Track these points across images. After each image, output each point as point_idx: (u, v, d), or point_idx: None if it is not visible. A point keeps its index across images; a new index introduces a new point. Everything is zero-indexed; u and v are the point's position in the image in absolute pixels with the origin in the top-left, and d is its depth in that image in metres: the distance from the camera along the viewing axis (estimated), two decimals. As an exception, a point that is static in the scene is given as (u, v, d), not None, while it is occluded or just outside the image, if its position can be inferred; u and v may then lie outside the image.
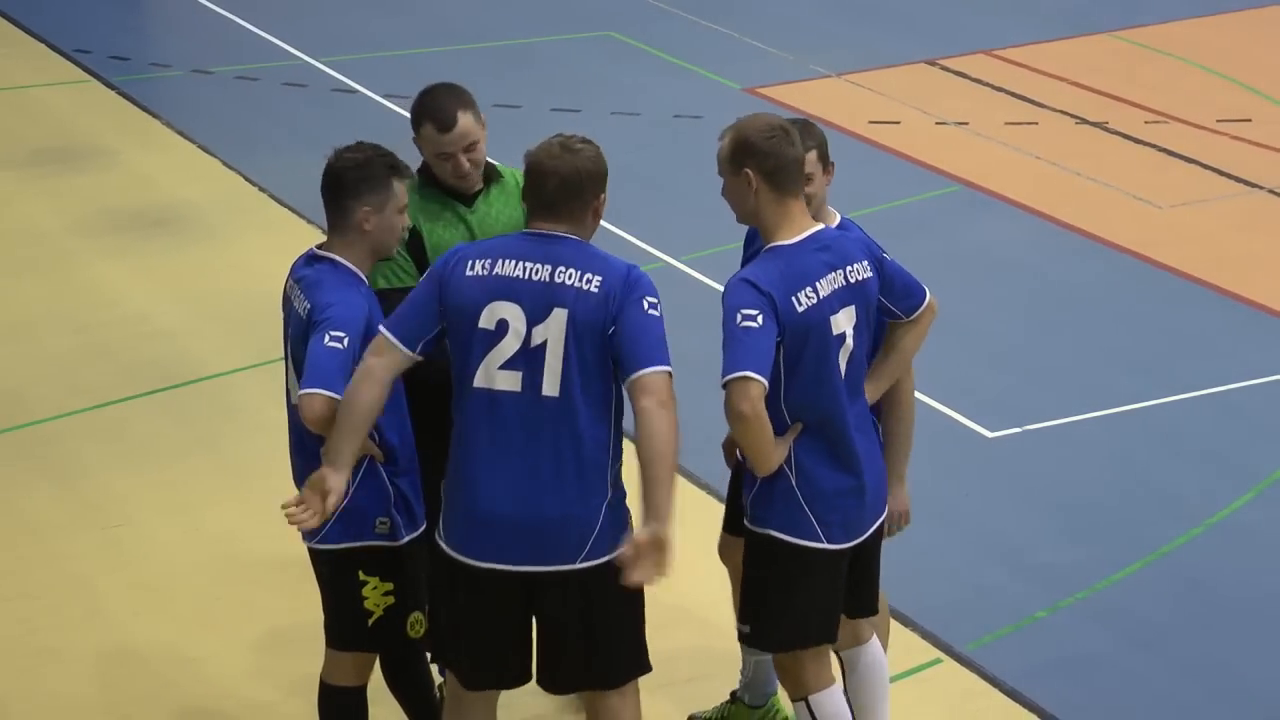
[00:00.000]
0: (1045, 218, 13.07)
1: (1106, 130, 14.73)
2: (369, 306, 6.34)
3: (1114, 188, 13.58)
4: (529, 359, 5.95)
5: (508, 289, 5.96)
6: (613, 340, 5.91)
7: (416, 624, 6.61)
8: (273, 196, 13.46)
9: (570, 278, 5.94)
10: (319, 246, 6.51)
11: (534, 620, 6.19)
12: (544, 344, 5.93)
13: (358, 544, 6.49)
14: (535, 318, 5.93)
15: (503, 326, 5.96)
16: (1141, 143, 14.44)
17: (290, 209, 13.18)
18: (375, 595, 6.53)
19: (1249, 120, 14.80)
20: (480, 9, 18.18)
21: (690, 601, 8.27)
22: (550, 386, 5.94)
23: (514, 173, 7.04)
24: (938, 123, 14.96)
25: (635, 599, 6.15)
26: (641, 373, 5.87)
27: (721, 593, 7.52)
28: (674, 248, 12.19)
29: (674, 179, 13.09)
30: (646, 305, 5.93)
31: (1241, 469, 9.70)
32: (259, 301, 11.56)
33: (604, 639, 6.15)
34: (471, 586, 6.12)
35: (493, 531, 6.02)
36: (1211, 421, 10.26)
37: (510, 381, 5.97)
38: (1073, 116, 15.02)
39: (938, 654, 8.07)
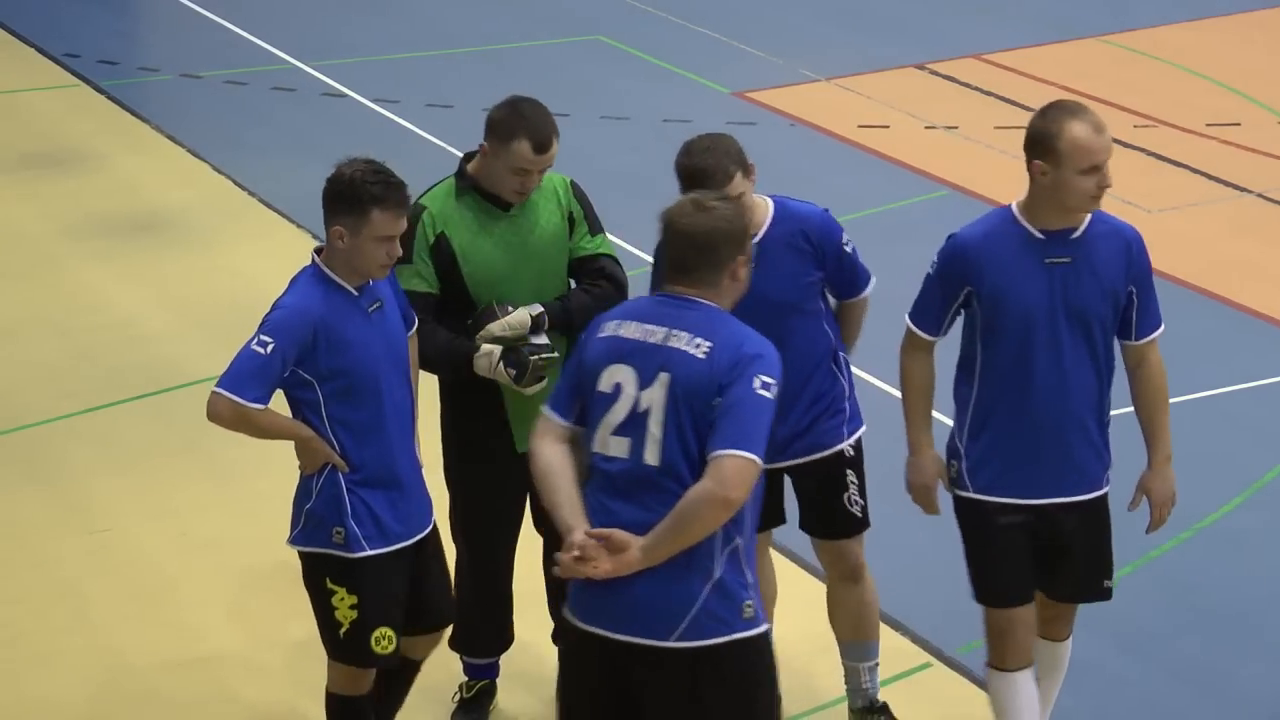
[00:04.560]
0: (1035, 222, 13.06)
1: (1096, 134, 14.73)
2: (324, 313, 6.31)
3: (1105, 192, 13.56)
4: (636, 425, 5.68)
5: (625, 352, 5.73)
6: (715, 411, 5.59)
7: (382, 639, 6.55)
8: (261, 201, 13.44)
9: (680, 341, 5.68)
10: (318, 247, 6.54)
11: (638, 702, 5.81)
12: (648, 410, 5.68)
13: (320, 550, 6.52)
14: (644, 382, 5.68)
15: (617, 390, 5.72)
16: (1130, 146, 14.43)
17: (279, 213, 13.16)
18: (343, 606, 6.53)
19: (1238, 124, 14.81)
20: (469, 13, 18.17)
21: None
22: (651, 455, 5.65)
23: (552, 177, 7.17)
24: (927, 127, 14.95)
25: (756, 687, 5.75)
26: (719, 452, 5.55)
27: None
28: (663, 252, 12.18)
29: (663, 184, 13.05)
30: (758, 384, 5.60)
31: (1232, 473, 9.69)
32: (247, 306, 11.49)
33: None
34: (574, 648, 5.86)
35: (595, 595, 5.71)
36: (1201, 426, 10.24)
37: (620, 448, 5.70)
38: (1062, 121, 15.01)
39: (927, 658, 8.06)
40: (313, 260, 6.48)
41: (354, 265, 6.39)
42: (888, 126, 14.96)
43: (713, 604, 5.63)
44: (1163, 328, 6.87)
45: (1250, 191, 13.56)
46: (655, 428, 5.64)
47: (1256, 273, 12.26)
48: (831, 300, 7.19)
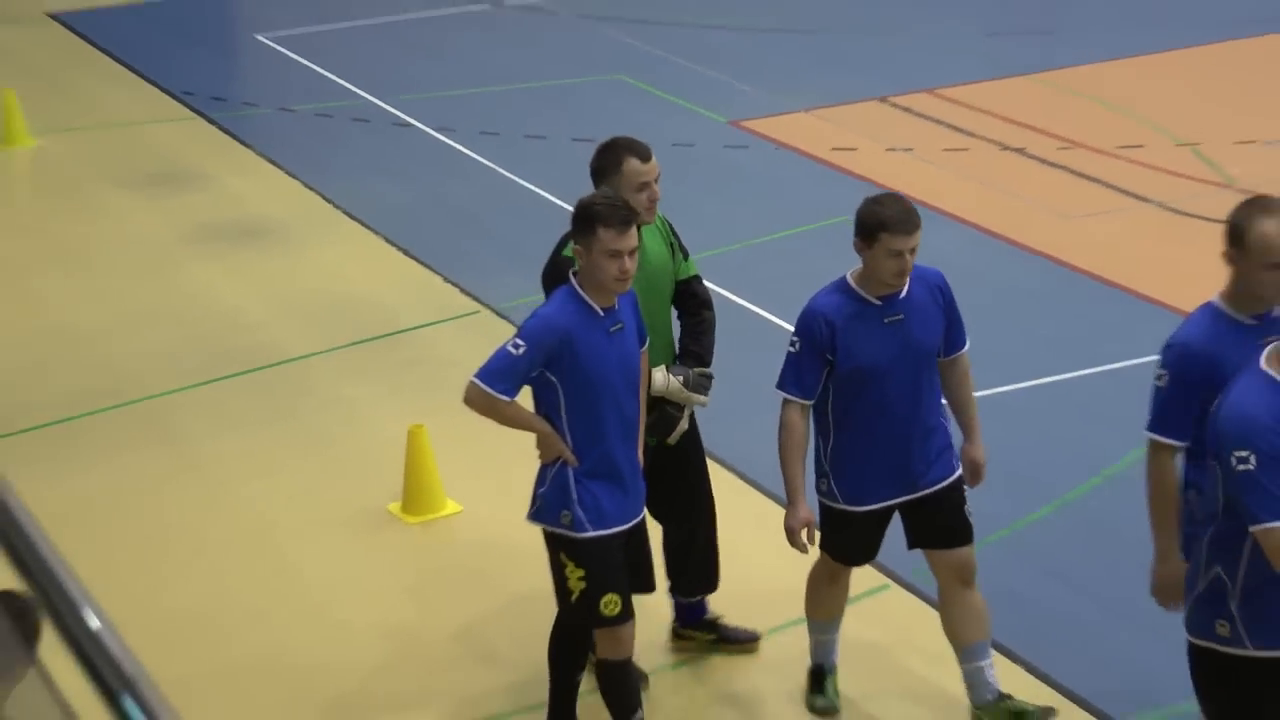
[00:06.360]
0: (978, 228, 13.08)
1: (1025, 155, 14.73)
2: (571, 326, 6.17)
3: (1033, 202, 13.59)
4: None
5: None
6: None
7: (610, 604, 6.37)
8: (344, 212, 13.48)
9: None
10: (574, 270, 6.35)
11: None
12: None
13: (553, 528, 6.38)
14: None
15: None
16: (1055, 165, 14.44)
17: (359, 221, 13.21)
18: (573, 578, 6.36)
19: (1142, 146, 14.80)
20: (513, 56, 18.18)
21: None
22: None
23: (660, 216, 7.02)
24: (888, 149, 14.96)
25: (1225, 698, 5.58)
26: None
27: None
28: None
29: (670, 197, 13.11)
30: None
31: (1135, 429, 9.65)
32: (332, 298, 11.61)
33: None
34: None
35: None
36: (1112, 390, 10.27)
37: None
38: (998, 144, 15.02)
39: (885, 580, 8.09)
40: (569, 280, 6.33)
41: (594, 280, 6.20)
42: (855, 149, 14.97)
43: (1196, 610, 5.54)
44: None
45: (1151, 201, 13.55)
46: None
47: (1156, 267, 12.25)
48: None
